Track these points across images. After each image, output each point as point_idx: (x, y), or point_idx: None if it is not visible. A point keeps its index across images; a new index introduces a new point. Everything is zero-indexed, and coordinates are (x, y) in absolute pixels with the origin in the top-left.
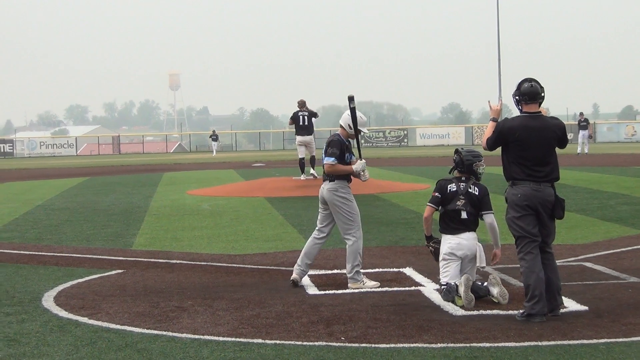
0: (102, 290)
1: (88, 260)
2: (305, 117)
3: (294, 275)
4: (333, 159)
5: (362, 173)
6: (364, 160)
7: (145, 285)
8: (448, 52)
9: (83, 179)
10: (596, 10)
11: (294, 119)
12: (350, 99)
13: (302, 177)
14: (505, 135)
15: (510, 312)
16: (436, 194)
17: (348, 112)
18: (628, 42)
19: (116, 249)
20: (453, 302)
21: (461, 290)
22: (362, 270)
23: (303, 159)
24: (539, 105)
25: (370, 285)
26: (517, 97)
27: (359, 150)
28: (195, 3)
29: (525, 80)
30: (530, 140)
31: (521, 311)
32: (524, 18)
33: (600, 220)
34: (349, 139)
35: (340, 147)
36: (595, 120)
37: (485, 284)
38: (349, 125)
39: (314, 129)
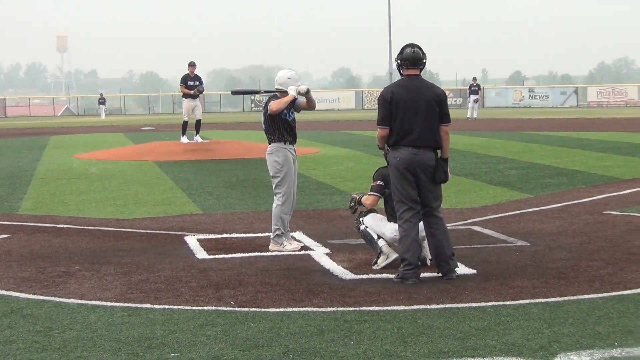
0: None
1: None
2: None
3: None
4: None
5: (300, 88)
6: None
7: (31, 250)
8: (338, 15)
9: None
10: None
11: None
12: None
13: (184, 139)
14: (385, 99)
15: None
16: (379, 182)
17: (287, 75)
18: (516, 8)
19: (1, 214)
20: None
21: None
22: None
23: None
24: (420, 71)
25: (290, 248)
26: (398, 62)
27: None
28: None
29: (408, 45)
30: (407, 100)
31: (396, 274)
32: None
33: (488, 185)
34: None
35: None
36: (484, 85)
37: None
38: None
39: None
